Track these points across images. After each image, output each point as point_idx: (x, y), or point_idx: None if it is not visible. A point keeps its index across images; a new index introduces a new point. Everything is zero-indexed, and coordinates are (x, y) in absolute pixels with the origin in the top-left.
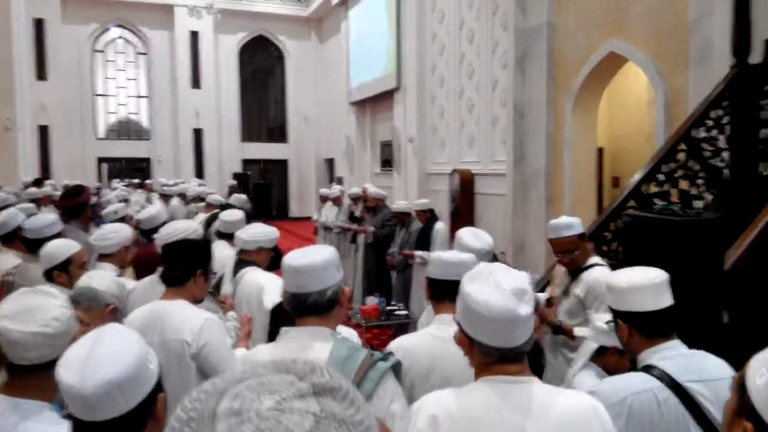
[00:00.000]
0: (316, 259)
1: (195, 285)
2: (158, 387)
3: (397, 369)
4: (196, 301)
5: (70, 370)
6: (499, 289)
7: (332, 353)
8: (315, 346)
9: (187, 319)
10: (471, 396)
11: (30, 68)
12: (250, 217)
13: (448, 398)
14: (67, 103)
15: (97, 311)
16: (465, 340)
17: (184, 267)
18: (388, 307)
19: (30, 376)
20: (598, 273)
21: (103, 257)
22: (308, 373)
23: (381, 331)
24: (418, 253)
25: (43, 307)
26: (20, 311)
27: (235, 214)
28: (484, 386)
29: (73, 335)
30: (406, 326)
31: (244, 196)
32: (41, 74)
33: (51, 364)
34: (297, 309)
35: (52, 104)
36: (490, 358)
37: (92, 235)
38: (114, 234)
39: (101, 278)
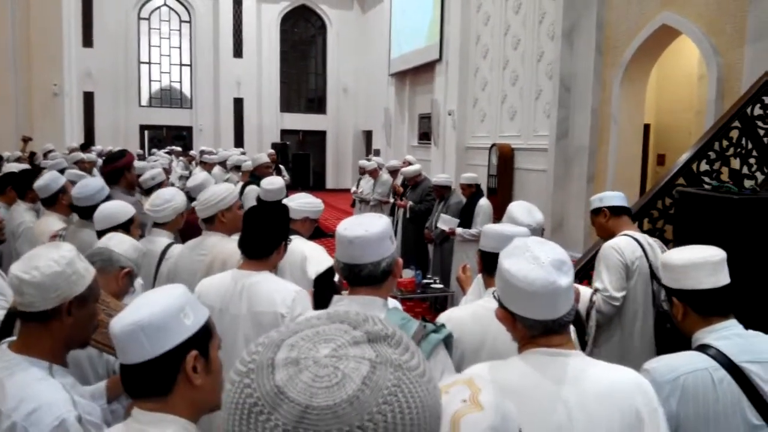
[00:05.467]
0: (371, 231)
1: (277, 256)
2: (192, 344)
3: (448, 341)
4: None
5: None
6: (538, 263)
7: None
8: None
9: (278, 291)
10: (509, 368)
11: (77, 35)
12: (287, 188)
13: (486, 370)
14: (111, 70)
15: (110, 273)
16: (507, 316)
17: (271, 239)
18: (424, 281)
19: (28, 327)
20: None
21: (158, 225)
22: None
23: (415, 304)
24: (459, 230)
25: (38, 256)
26: (27, 257)
27: (276, 182)
28: (522, 359)
29: (64, 291)
30: (443, 300)
31: (262, 153)
32: (87, 41)
33: (45, 317)
34: (350, 279)
35: (97, 71)
36: (533, 331)
37: (141, 201)
38: (168, 204)
39: (120, 241)
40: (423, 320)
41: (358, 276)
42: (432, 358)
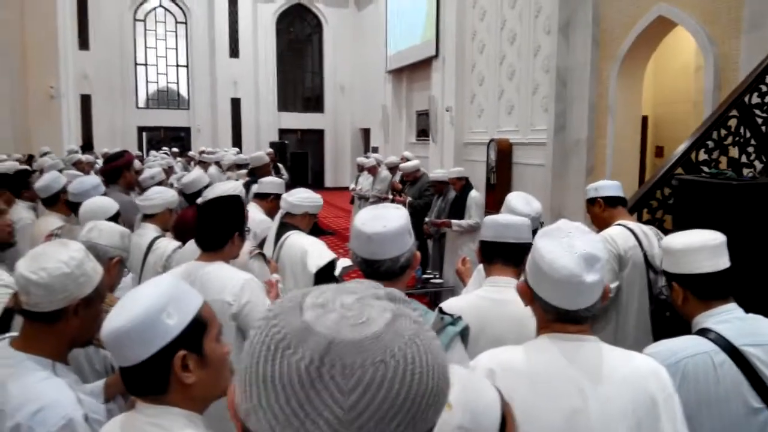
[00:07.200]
0: (389, 227)
1: (232, 247)
2: (180, 344)
3: (465, 334)
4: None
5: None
6: (570, 252)
7: None
8: None
9: (228, 279)
10: (532, 351)
11: (73, 38)
12: (286, 187)
13: (505, 354)
14: (108, 72)
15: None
16: (527, 292)
17: (221, 231)
18: (424, 276)
19: (33, 326)
20: None
21: (147, 218)
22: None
23: (416, 299)
24: (455, 222)
25: (46, 255)
26: (33, 255)
27: (274, 179)
28: (545, 343)
29: (72, 293)
30: (441, 294)
31: (261, 152)
32: (84, 44)
33: (50, 318)
34: (368, 274)
35: (93, 73)
36: (548, 315)
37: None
38: (158, 195)
39: (100, 230)
40: (440, 312)
41: (376, 271)
42: (449, 350)
